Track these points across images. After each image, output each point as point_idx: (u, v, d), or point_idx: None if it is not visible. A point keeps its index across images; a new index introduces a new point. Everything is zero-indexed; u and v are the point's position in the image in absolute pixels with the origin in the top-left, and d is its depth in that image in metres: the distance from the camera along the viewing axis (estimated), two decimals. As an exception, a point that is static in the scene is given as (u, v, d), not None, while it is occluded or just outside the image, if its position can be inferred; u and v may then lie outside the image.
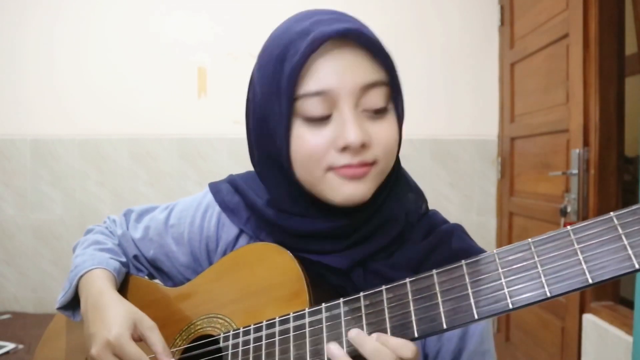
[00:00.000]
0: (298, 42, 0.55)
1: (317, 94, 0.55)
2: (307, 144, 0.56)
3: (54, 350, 0.79)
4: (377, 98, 0.57)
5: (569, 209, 1.68)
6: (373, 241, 0.62)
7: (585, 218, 1.64)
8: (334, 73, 0.55)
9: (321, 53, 0.55)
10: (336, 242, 0.62)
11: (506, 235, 2.30)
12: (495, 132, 2.40)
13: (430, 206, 0.72)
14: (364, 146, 0.56)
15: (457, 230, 0.64)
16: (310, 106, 0.55)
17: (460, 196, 2.41)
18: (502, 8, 2.33)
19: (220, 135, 2.46)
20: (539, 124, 1.98)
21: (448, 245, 0.61)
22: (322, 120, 0.56)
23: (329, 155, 0.56)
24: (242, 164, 2.42)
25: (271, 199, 0.66)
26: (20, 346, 1.98)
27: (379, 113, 0.57)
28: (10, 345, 1.98)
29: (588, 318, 1.61)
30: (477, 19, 2.37)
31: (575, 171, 1.65)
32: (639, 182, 1.31)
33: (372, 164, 0.58)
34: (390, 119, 0.59)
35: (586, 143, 1.63)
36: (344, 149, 0.55)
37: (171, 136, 2.47)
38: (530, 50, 2.06)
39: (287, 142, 0.57)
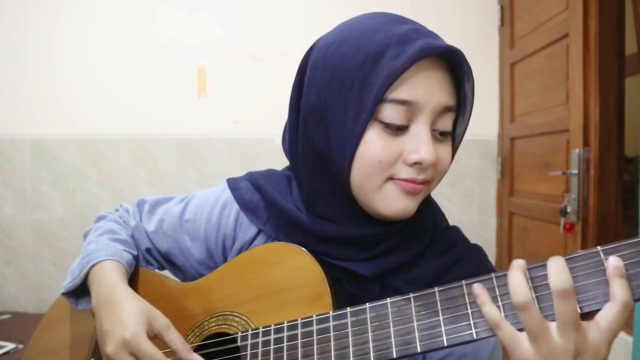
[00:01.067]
0: (400, 46, 0.53)
1: (405, 103, 0.54)
2: (378, 150, 0.55)
3: (51, 339, 0.78)
4: (448, 121, 0.57)
5: (569, 209, 1.68)
6: (399, 253, 0.61)
7: (585, 218, 1.64)
8: (425, 87, 0.54)
9: (419, 64, 0.54)
10: (361, 250, 0.61)
11: (506, 235, 2.30)
12: (495, 132, 2.40)
13: (444, 215, 0.72)
14: (431, 166, 0.56)
15: (476, 252, 0.64)
16: (393, 113, 0.54)
17: (460, 196, 2.41)
18: (502, 8, 2.33)
19: (220, 135, 2.46)
20: (539, 124, 1.98)
21: (465, 265, 0.61)
22: (398, 129, 0.55)
23: (395, 166, 0.56)
24: (242, 164, 2.42)
25: (301, 195, 0.65)
26: (20, 346, 1.98)
27: (443, 135, 0.58)
28: (10, 345, 1.98)
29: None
30: (477, 19, 2.37)
31: (575, 171, 1.65)
32: (639, 182, 1.31)
33: (428, 182, 0.58)
34: (449, 144, 0.59)
35: (586, 143, 1.63)
36: (414, 164, 0.55)
37: (171, 136, 2.47)
38: (530, 50, 2.06)
39: (356, 143, 0.55)
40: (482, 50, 2.38)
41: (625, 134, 1.65)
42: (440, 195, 2.38)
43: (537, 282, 0.46)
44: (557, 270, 0.43)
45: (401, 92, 0.54)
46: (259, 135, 2.39)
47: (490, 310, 0.46)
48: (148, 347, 0.59)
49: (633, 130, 1.71)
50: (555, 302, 0.43)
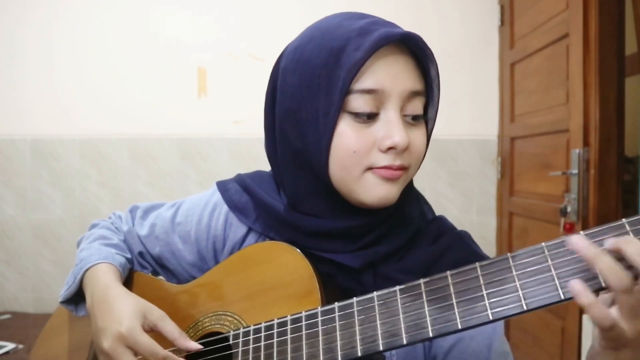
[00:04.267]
0: (359, 39, 0.55)
1: (371, 91, 0.56)
2: (352, 141, 0.56)
3: (52, 347, 0.79)
4: (418, 106, 0.59)
5: (569, 209, 1.68)
6: (387, 242, 0.62)
7: (585, 218, 1.64)
8: (389, 74, 0.56)
9: (381, 53, 0.56)
10: (349, 242, 0.62)
11: (506, 235, 2.30)
12: (495, 132, 2.40)
13: (431, 206, 0.73)
14: (405, 149, 0.57)
15: (465, 237, 0.65)
16: (361, 103, 0.56)
17: (460, 196, 2.41)
18: (502, 8, 2.33)
19: (220, 135, 2.46)
20: (539, 124, 1.98)
21: (456, 251, 0.62)
22: (368, 118, 0.56)
23: (371, 155, 0.57)
24: (242, 164, 2.42)
25: (286, 196, 0.66)
26: (20, 346, 1.98)
27: (415, 120, 0.59)
28: (10, 345, 1.98)
29: (588, 318, 1.61)
30: (477, 19, 2.37)
31: (575, 171, 1.65)
32: (639, 182, 1.32)
33: (406, 168, 0.59)
34: (423, 127, 0.61)
35: (586, 143, 1.63)
36: (389, 149, 0.56)
37: (171, 136, 2.47)
38: (530, 50, 2.06)
39: (330, 137, 0.57)
40: (482, 50, 2.38)
41: (625, 134, 1.65)
42: (440, 195, 2.38)
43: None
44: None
45: (366, 81, 0.55)
46: (259, 135, 2.38)
47: (605, 313, 0.43)
48: (144, 339, 0.60)
49: (633, 130, 1.71)
50: None
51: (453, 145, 2.39)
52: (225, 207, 0.73)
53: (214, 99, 2.46)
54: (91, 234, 0.80)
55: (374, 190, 0.58)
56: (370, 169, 0.58)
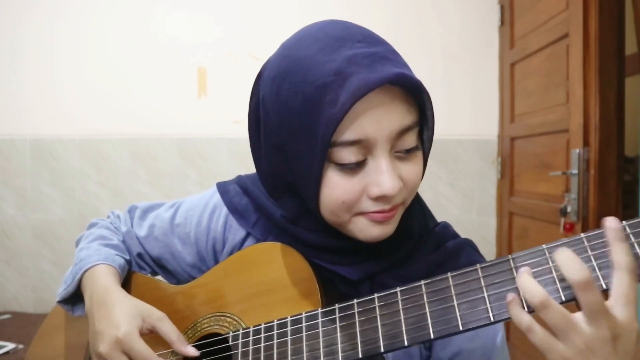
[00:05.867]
0: (335, 89, 0.50)
1: (354, 142, 0.52)
2: (339, 192, 0.53)
3: (49, 346, 0.78)
4: (410, 139, 0.55)
5: (569, 209, 1.68)
6: (386, 256, 0.61)
7: (585, 218, 1.64)
8: (372, 121, 0.51)
9: (363, 98, 0.50)
10: (348, 256, 0.61)
11: (506, 235, 2.30)
12: (495, 132, 2.40)
13: (430, 206, 0.72)
14: (397, 193, 0.54)
15: (467, 246, 0.64)
16: (346, 154, 0.52)
17: (460, 196, 2.41)
18: (502, 8, 2.33)
19: (220, 135, 2.46)
20: (539, 124, 1.98)
21: (456, 259, 0.61)
22: (356, 165, 0.53)
23: (360, 203, 0.54)
24: (242, 164, 2.42)
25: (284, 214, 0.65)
26: (20, 346, 1.98)
27: (409, 152, 0.55)
28: (10, 345, 1.98)
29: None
30: (477, 19, 2.37)
31: (575, 171, 1.65)
32: (639, 182, 1.32)
33: (402, 203, 0.57)
34: (419, 155, 0.57)
35: (586, 143, 1.63)
36: (378, 197, 0.54)
37: (171, 136, 2.47)
38: (530, 50, 2.06)
39: (317, 187, 0.54)
40: (482, 50, 2.38)
41: (625, 134, 1.65)
42: (440, 195, 2.38)
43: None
44: (570, 263, 0.42)
45: (348, 133, 0.51)
46: (259, 135, 2.39)
47: (520, 315, 0.44)
48: (140, 346, 0.60)
49: (633, 130, 1.71)
50: (577, 294, 0.42)
51: (453, 145, 2.39)
52: (225, 209, 0.73)
53: (214, 99, 2.46)
54: (90, 233, 0.79)
55: (368, 232, 0.56)
56: (361, 214, 0.55)
